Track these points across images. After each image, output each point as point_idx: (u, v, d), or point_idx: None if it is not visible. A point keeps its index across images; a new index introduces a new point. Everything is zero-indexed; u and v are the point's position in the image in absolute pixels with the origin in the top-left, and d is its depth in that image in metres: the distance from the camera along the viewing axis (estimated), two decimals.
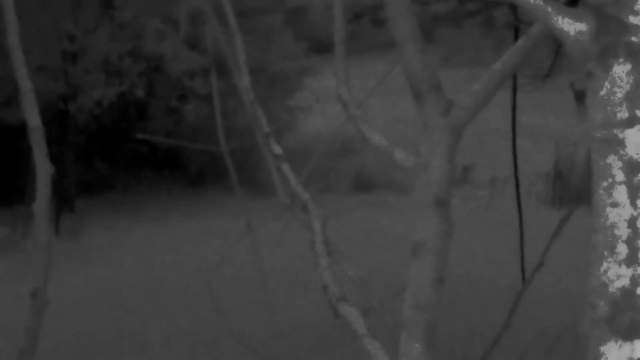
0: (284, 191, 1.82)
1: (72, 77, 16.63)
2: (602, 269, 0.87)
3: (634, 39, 0.86)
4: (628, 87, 0.86)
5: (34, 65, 13.70)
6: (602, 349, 0.86)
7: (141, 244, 14.12)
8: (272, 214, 10.16)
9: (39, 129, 1.98)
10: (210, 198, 18.48)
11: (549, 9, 0.92)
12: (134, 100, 19.25)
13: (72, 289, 10.36)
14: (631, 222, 0.86)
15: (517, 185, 8.76)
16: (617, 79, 0.87)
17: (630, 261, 0.85)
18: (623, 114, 0.86)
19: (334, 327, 7.38)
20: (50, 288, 1.99)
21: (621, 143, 0.86)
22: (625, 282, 0.85)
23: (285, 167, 1.77)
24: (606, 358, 0.85)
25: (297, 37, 21.60)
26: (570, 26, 0.91)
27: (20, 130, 15.82)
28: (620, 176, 0.86)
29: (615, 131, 0.87)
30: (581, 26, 0.90)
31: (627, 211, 0.86)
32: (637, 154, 0.86)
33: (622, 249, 0.86)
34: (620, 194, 0.86)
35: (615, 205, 0.86)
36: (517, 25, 8.21)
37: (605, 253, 0.87)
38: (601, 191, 0.87)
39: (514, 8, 8.31)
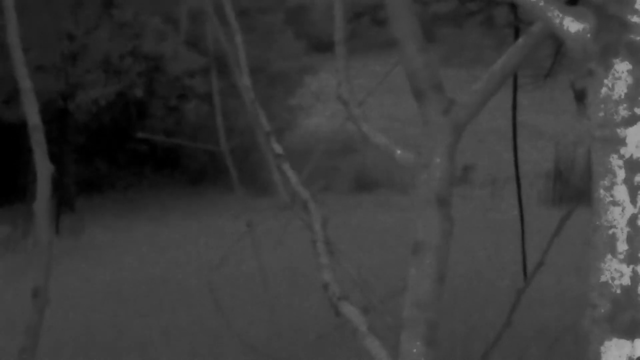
0: (285, 190, 1.82)
1: (72, 76, 16.63)
2: (602, 267, 0.87)
3: (635, 37, 0.86)
4: (629, 85, 0.86)
5: (34, 64, 13.72)
6: (603, 347, 0.86)
7: (141, 243, 14.13)
8: (272, 213, 10.16)
9: (39, 127, 1.98)
10: (211, 197, 18.48)
11: (550, 7, 0.92)
12: (134, 100, 19.27)
13: (72, 287, 10.37)
14: (631, 221, 0.86)
15: (519, 185, 8.78)
16: (617, 77, 0.87)
17: (630, 260, 0.85)
18: (624, 112, 0.87)
19: (334, 326, 7.39)
20: (50, 287, 1.99)
21: (622, 142, 0.86)
22: (625, 280, 0.85)
23: (286, 167, 1.77)
24: (607, 357, 0.85)
25: (297, 36, 21.60)
26: (571, 25, 0.91)
27: (20, 129, 15.86)
28: (620, 175, 0.86)
29: (615, 130, 0.87)
30: (582, 25, 0.90)
31: (627, 210, 0.86)
32: (637, 152, 0.86)
33: (623, 248, 0.86)
34: (621, 192, 0.86)
35: (615, 204, 0.86)
36: (517, 25, 8.22)
37: (606, 252, 0.87)
38: (601, 190, 0.88)
39: (514, 7, 8.32)
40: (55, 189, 2.07)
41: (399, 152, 1.24)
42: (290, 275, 10.30)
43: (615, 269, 0.86)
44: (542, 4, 0.93)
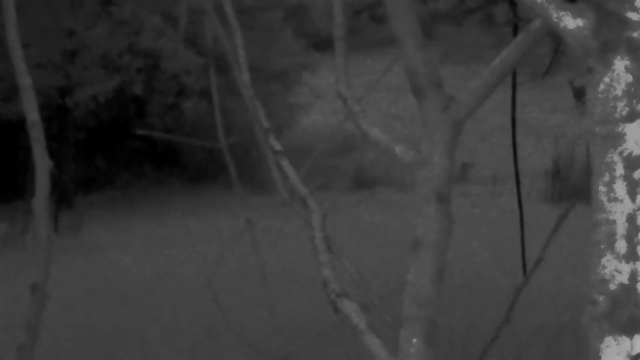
0: (284, 187, 1.82)
1: (71, 73, 16.62)
2: (601, 264, 0.87)
3: (634, 34, 0.86)
4: (628, 82, 0.86)
5: (34, 61, 13.71)
6: (602, 344, 0.86)
7: (140, 241, 14.12)
8: (271, 210, 10.18)
9: (38, 124, 1.98)
10: (210, 195, 18.48)
11: (549, 4, 0.92)
12: (133, 97, 19.25)
13: (71, 285, 10.37)
14: (630, 218, 0.86)
15: (518, 182, 8.78)
16: (617, 74, 0.87)
17: (629, 257, 0.85)
18: (623, 109, 0.87)
19: (333, 323, 7.39)
20: (49, 285, 1.99)
21: (621, 138, 0.86)
22: (624, 277, 0.85)
23: (285, 163, 1.77)
24: (606, 354, 0.85)
25: (296, 34, 21.59)
26: (570, 22, 0.91)
27: (19, 127, 15.85)
28: (619, 171, 0.86)
29: (615, 126, 0.87)
30: (581, 22, 0.90)
31: (626, 206, 0.86)
32: (636, 149, 0.86)
33: (622, 245, 0.86)
34: (620, 189, 0.86)
35: (614, 200, 0.86)
36: (516, 23, 8.22)
37: (605, 249, 0.87)
38: (601, 186, 0.88)
39: (513, 5, 8.32)
40: (54, 186, 2.07)
41: (398, 149, 1.24)
42: (289, 272, 10.30)
43: (614, 266, 0.86)
44: (541, 1, 0.93)
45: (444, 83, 1.17)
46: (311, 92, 22.10)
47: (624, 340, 0.85)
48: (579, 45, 0.90)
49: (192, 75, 18.29)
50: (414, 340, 1.12)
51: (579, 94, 20.09)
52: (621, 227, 0.86)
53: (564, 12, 0.91)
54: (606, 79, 0.87)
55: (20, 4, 2.13)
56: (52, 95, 16.31)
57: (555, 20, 0.92)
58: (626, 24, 0.87)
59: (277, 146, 1.82)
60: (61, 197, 16.22)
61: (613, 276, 0.86)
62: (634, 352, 0.84)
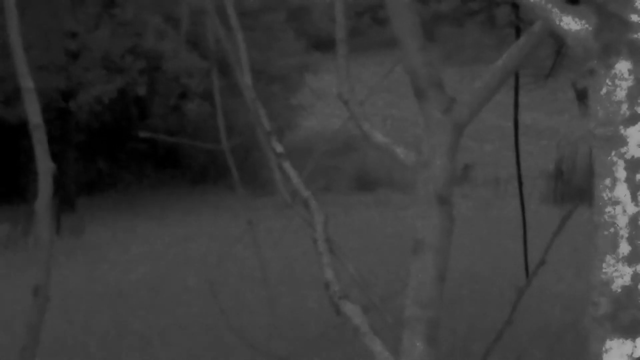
0: (286, 189, 1.82)
1: (73, 74, 16.63)
2: (603, 266, 0.87)
3: (635, 36, 0.86)
4: (630, 84, 0.86)
5: (36, 63, 13.71)
6: (604, 346, 0.86)
7: (142, 242, 14.13)
8: (273, 212, 10.16)
9: (41, 126, 1.98)
10: (212, 196, 18.48)
11: (551, 6, 0.92)
12: (135, 99, 19.26)
13: (73, 287, 10.37)
14: (632, 220, 0.86)
15: (520, 184, 8.77)
16: (618, 76, 0.87)
17: (631, 259, 0.85)
18: (625, 111, 0.86)
19: (334, 324, 7.39)
20: (51, 286, 1.99)
21: (623, 141, 0.86)
22: (626, 280, 0.85)
23: (287, 165, 1.77)
24: (608, 356, 0.85)
25: (298, 35, 21.59)
26: (572, 24, 0.91)
27: (21, 129, 15.84)
28: (621, 174, 0.86)
29: (616, 129, 0.87)
30: (583, 24, 0.90)
31: (628, 209, 0.86)
32: (638, 152, 0.86)
33: (624, 247, 0.86)
34: (622, 191, 0.86)
35: (616, 202, 0.86)
36: (518, 24, 8.22)
37: (607, 251, 0.87)
38: (603, 189, 0.87)
39: (515, 7, 8.32)
40: (56, 188, 2.07)
41: (399, 151, 1.24)
42: (291, 273, 10.30)
43: (616, 268, 0.86)
44: (543, 3, 0.93)
45: (445, 85, 1.17)
46: (313, 94, 22.10)
47: (626, 342, 0.85)
48: (580, 47, 0.90)
49: (194, 77, 18.30)
50: (416, 341, 1.12)
51: (582, 96, 20.08)
52: (623, 230, 0.86)
53: (565, 14, 0.91)
54: (608, 82, 0.87)
55: (21, 5, 2.13)
56: (54, 98, 16.31)
57: (557, 22, 0.92)
58: (628, 26, 0.86)
59: (279, 148, 1.82)
60: (63, 199, 16.23)
61: (615, 278, 0.86)
62: (636, 355, 0.84)
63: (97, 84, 16.89)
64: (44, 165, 1.96)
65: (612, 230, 0.86)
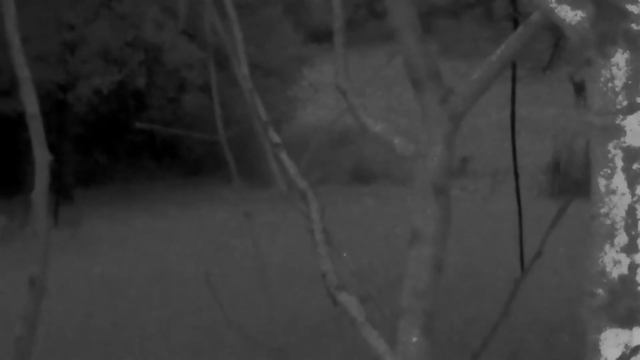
0: (282, 180, 1.81)
1: (71, 66, 16.61)
2: (600, 256, 0.87)
3: (632, 26, 0.86)
4: (627, 74, 0.86)
5: (33, 54, 13.68)
6: (600, 336, 0.86)
7: (139, 234, 14.13)
8: (270, 204, 10.15)
9: (37, 116, 1.98)
10: (209, 188, 18.47)
11: None
12: (133, 90, 19.23)
13: (70, 279, 10.37)
14: (630, 210, 0.86)
15: (517, 177, 8.78)
16: (616, 66, 0.87)
17: (628, 249, 0.85)
18: (622, 101, 0.86)
19: (332, 316, 7.39)
20: (48, 278, 1.99)
21: (620, 130, 0.86)
22: (623, 269, 0.85)
23: (284, 156, 1.77)
24: (604, 345, 0.85)
25: (295, 27, 21.56)
26: (569, 14, 0.90)
27: (18, 121, 15.82)
28: (619, 164, 0.86)
29: (614, 118, 0.87)
30: (580, 13, 0.90)
31: (625, 199, 0.86)
32: (636, 141, 0.86)
33: (621, 237, 0.86)
34: (619, 181, 0.86)
35: (614, 192, 0.86)
36: (516, 17, 8.22)
37: (604, 241, 0.87)
38: (600, 179, 0.87)
39: (513, 0, 8.31)
40: (54, 180, 2.06)
41: (397, 142, 1.24)
42: (288, 265, 10.30)
43: (613, 258, 0.86)
44: None
45: (442, 76, 1.17)
46: (310, 86, 22.09)
47: (623, 331, 0.85)
48: (577, 37, 0.90)
49: (193, 69, 18.27)
50: (413, 332, 1.12)
51: (579, 89, 20.08)
52: (620, 219, 0.86)
53: (562, 4, 0.91)
54: (605, 71, 0.87)
55: None
56: (52, 90, 16.28)
57: (554, 11, 0.91)
58: (625, 15, 0.86)
59: (276, 139, 1.81)
60: (61, 191, 16.21)
61: (612, 268, 0.86)
62: (633, 344, 0.84)
63: (96, 76, 16.87)
64: (41, 156, 1.95)
65: (609, 219, 0.86)
